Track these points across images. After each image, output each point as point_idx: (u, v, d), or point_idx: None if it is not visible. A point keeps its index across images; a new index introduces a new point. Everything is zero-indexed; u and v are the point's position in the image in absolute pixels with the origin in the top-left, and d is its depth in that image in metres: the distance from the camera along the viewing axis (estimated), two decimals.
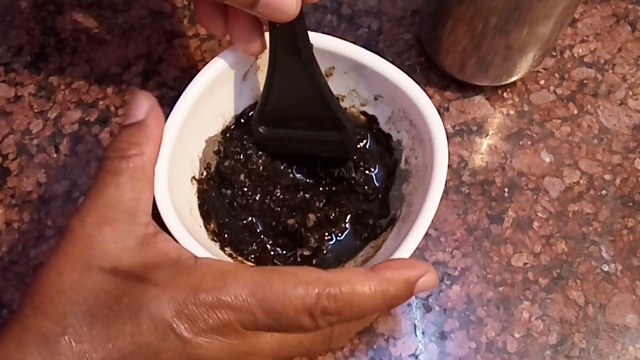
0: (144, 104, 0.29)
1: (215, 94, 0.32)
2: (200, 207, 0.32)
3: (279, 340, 0.26)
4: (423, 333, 0.35)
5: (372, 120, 0.35)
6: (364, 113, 0.35)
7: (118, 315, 0.24)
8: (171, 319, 0.24)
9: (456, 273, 0.37)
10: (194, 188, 0.32)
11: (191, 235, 0.28)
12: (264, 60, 0.33)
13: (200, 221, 0.32)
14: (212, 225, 0.32)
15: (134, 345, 0.24)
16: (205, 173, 0.34)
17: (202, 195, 0.33)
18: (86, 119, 0.41)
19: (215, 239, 0.32)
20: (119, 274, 0.25)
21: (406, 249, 0.28)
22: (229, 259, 0.31)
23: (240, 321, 0.24)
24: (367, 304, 0.26)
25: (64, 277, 0.25)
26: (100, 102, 0.42)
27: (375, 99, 0.33)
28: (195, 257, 0.26)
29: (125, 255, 0.26)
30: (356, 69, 0.33)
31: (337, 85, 0.34)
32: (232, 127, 0.35)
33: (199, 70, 0.43)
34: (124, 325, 0.24)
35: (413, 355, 0.35)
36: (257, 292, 0.24)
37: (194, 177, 0.32)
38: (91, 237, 0.25)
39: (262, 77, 0.34)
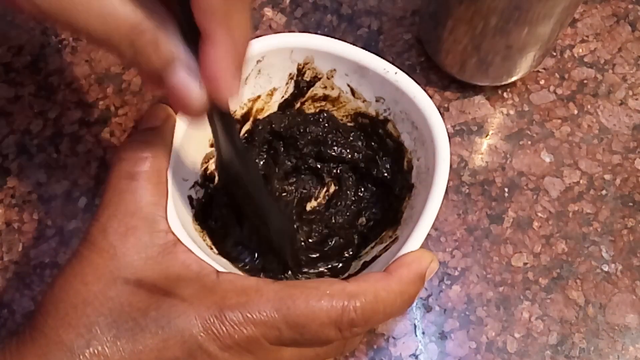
0: (161, 114, 0.29)
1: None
2: (203, 212, 0.32)
3: (299, 352, 0.26)
4: (423, 333, 0.35)
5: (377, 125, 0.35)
6: (364, 115, 0.35)
7: (144, 328, 0.24)
8: (198, 335, 0.24)
9: (456, 273, 0.37)
10: (196, 193, 0.32)
11: (193, 240, 0.28)
12: (265, 63, 0.33)
13: (200, 227, 0.32)
14: (214, 231, 0.32)
15: (160, 359, 0.24)
16: (206, 179, 0.34)
17: (203, 200, 0.33)
18: (86, 119, 0.41)
19: (216, 245, 0.32)
20: (144, 286, 0.25)
21: (408, 251, 0.28)
22: (231, 266, 0.31)
23: (266, 336, 0.25)
24: (391, 308, 0.26)
25: (88, 287, 0.25)
26: (100, 102, 0.42)
27: (377, 100, 0.33)
28: (217, 271, 0.26)
29: (148, 267, 0.25)
30: (357, 70, 0.33)
31: (338, 88, 0.34)
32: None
33: None
34: (151, 339, 0.24)
35: (413, 355, 0.35)
36: (281, 307, 0.24)
37: (196, 182, 0.32)
38: (115, 248, 0.25)
39: (262, 81, 0.34)
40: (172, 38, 0.23)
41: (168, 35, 0.23)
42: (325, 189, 0.37)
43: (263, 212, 0.31)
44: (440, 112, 0.31)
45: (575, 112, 0.41)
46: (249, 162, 0.29)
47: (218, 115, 0.26)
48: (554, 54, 0.43)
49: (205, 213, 0.33)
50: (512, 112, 0.41)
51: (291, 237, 0.34)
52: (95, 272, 0.25)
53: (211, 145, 0.33)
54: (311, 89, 0.35)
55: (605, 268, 0.37)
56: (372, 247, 0.33)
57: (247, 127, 0.35)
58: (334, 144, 0.35)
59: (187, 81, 0.23)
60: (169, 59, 0.23)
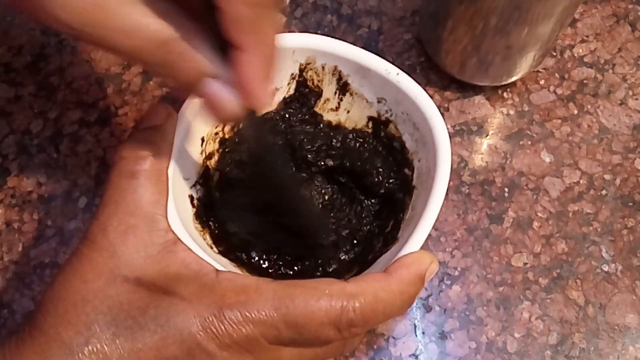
0: (162, 113, 0.29)
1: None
2: (204, 212, 0.32)
3: (298, 351, 0.26)
4: (423, 333, 0.35)
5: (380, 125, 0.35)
6: (370, 118, 0.35)
7: (143, 327, 0.24)
8: (197, 334, 0.24)
9: (456, 273, 0.37)
10: (196, 193, 0.32)
11: (194, 239, 0.28)
12: None
13: (201, 226, 0.32)
14: (214, 231, 0.32)
15: (159, 357, 0.24)
16: (207, 178, 0.34)
17: (204, 200, 0.33)
18: (86, 119, 0.41)
19: (217, 244, 0.32)
20: (143, 284, 0.25)
21: (408, 252, 0.28)
22: (231, 265, 0.31)
23: (265, 335, 0.25)
24: (391, 308, 0.26)
25: (88, 285, 0.25)
26: (100, 102, 0.42)
27: (379, 101, 0.33)
28: (217, 270, 0.26)
29: (148, 265, 0.26)
30: (359, 71, 0.33)
31: None
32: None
33: None
34: (150, 338, 0.24)
35: (413, 355, 0.35)
36: (280, 306, 0.24)
37: (197, 181, 0.33)
38: (115, 246, 0.25)
39: None
40: (201, 49, 0.23)
41: (197, 47, 0.22)
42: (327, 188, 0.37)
43: (295, 202, 0.31)
44: (440, 112, 0.31)
45: (575, 112, 0.41)
46: (279, 157, 0.30)
47: (251, 118, 0.26)
48: (554, 54, 0.43)
49: (206, 212, 0.33)
50: (512, 112, 0.41)
51: (323, 223, 0.33)
52: (94, 271, 0.25)
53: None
54: None
55: (605, 268, 0.37)
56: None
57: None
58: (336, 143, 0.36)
59: (219, 91, 0.23)
60: (199, 71, 0.23)
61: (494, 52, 0.37)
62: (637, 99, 0.42)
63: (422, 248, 0.28)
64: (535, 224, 0.38)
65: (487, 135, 0.41)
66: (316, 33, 0.33)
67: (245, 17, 0.21)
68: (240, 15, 0.21)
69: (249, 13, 0.21)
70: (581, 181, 0.39)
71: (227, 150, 0.35)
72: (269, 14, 0.22)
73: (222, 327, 0.24)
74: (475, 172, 0.39)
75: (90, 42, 0.21)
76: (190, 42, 0.22)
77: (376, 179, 0.34)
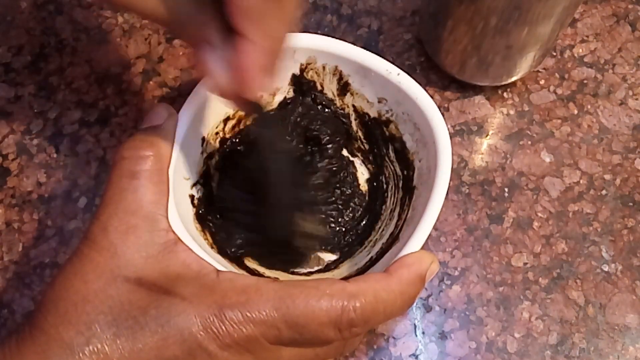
0: (163, 113, 0.30)
1: (219, 100, 0.32)
2: (204, 211, 0.32)
3: (298, 351, 0.26)
4: (423, 333, 0.35)
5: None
6: (370, 115, 0.35)
7: (144, 327, 0.24)
8: (198, 334, 0.24)
9: (456, 273, 0.37)
10: (197, 192, 0.32)
11: (194, 239, 0.28)
12: None
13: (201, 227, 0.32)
14: (213, 231, 0.32)
15: (160, 357, 0.24)
16: (208, 178, 0.34)
17: (204, 200, 0.33)
18: (86, 119, 0.41)
19: (217, 244, 0.32)
20: (144, 284, 0.25)
21: (409, 252, 0.28)
22: (231, 265, 0.31)
23: (265, 335, 0.25)
24: (391, 308, 0.26)
25: (88, 285, 0.25)
26: (100, 102, 0.42)
27: (380, 101, 0.33)
28: (217, 270, 0.26)
29: (148, 265, 0.26)
30: (360, 71, 0.33)
31: None
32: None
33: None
34: (150, 338, 0.24)
35: (413, 355, 0.35)
36: (281, 306, 0.24)
37: (197, 181, 0.33)
38: (115, 246, 0.25)
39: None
40: (209, 25, 0.23)
41: (205, 21, 0.23)
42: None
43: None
44: (440, 112, 0.31)
45: (575, 112, 0.41)
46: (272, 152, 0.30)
47: (249, 105, 0.27)
48: (554, 54, 0.43)
49: (207, 212, 0.33)
50: (512, 112, 0.41)
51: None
52: (95, 270, 0.25)
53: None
54: None
55: (605, 268, 0.37)
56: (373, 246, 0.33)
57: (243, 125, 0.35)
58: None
59: (210, 62, 0.24)
60: (201, 35, 0.24)
61: (494, 52, 0.37)
62: (637, 99, 0.42)
63: (422, 248, 0.28)
64: (535, 224, 0.38)
65: (487, 135, 0.41)
66: (316, 33, 0.33)
67: (251, 7, 0.22)
68: (248, 5, 0.22)
69: (256, 5, 0.22)
70: (581, 181, 0.39)
71: (227, 150, 0.35)
72: (278, 10, 0.23)
73: (223, 327, 0.24)
74: (475, 172, 0.39)
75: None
76: (196, 16, 0.23)
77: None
